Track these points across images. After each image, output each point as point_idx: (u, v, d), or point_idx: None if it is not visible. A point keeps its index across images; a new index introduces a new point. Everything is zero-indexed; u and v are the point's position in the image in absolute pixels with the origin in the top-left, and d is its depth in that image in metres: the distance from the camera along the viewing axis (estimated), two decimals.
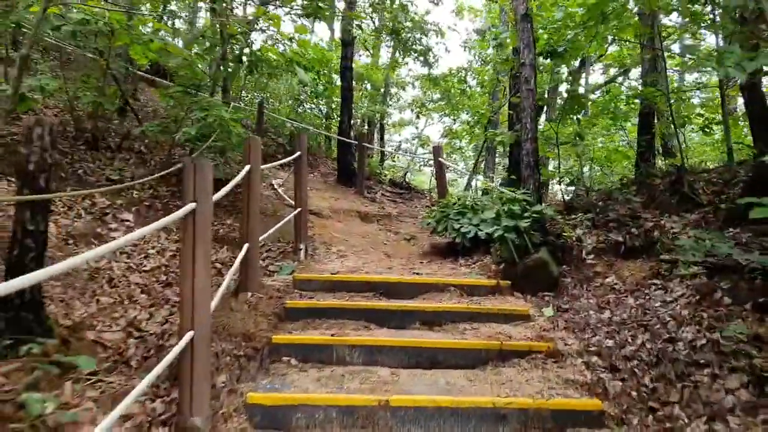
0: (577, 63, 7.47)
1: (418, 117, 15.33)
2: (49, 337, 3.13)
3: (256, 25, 5.70)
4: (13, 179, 5.42)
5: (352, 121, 11.49)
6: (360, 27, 9.40)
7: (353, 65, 11.08)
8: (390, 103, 16.15)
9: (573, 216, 6.11)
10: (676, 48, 5.69)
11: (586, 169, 7.13)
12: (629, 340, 3.83)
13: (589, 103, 5.89)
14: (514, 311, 4.42)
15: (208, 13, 9.97)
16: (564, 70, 8.44)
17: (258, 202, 4.57)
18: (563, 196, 6.52)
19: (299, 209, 6.07)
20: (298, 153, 6.09)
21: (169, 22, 13.02)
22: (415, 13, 11.42)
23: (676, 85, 8.26)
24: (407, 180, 12.24)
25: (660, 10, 5.60)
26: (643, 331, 3.88)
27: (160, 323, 4.08)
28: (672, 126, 6.14)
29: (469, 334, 4.09)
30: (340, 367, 3.60)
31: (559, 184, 6.52)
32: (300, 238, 6.07)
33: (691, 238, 4.81)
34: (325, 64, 12.13)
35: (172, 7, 12.99)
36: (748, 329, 3.40)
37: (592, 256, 5.23)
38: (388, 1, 11.04)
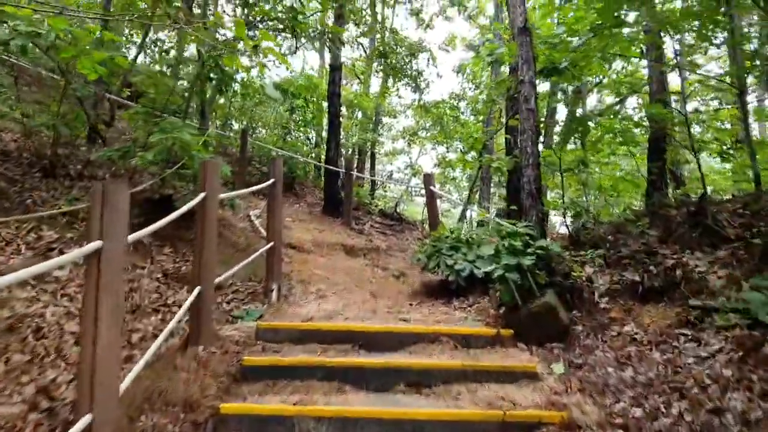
0: (578, 83, 6.95)
1: (409, 145, 14.78)
2: None
3: (232, 41, 5.11)
4: None
5: (340, 149, 10.91)
6: (342, 42, 8.89)
7: (341, 91, 10.56)
8: (381, 131, 15.66)
9: (580, 252, 5.45)
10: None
11: (589, 198, 6.49)
12: (662, 409, 3.10)
13: (594, 126, 5.31)
14: (518, 368, 3.70)
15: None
16: (564, 89, 7.93)
17: (214, 236, 3.88)
18: (568, 229, 5.85)
19: (271, 243, 5.38)
20: (272, 180, 5.44)
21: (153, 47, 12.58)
22: (406, 36, 10.99)
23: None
24: (398, 210, 11.59)
25: (670, 28, 5.05)
26: (679, 397, 3.15)
27: None
28: (687, 151, 5.53)
29: (464, 399, 3.35)
30: None
31: (564, 216, 5.87)
32: (272, 277, 5.36)
33: (722, 278, 4.14)
34: (313, 90, 11.63)
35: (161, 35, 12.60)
36: None
37: (605, 299, 4.54)
38: (378, 26, 10.62)
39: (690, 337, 3.73)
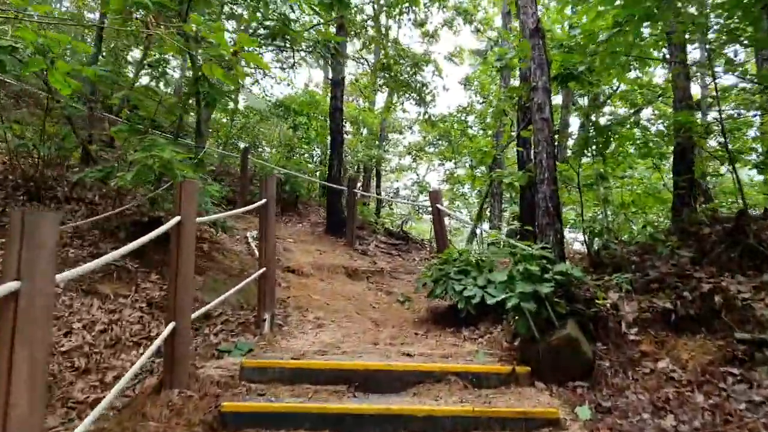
0: (596, 90, 6.50)
1: (414, 161, 14.34)
2: None
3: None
4: None
5: (343, 167, 10.51)
6: (341, 53, 8.51)
7: (344, 106, 10.20)
8: (387, 148, 15.28)
9: (602, 274, 4.95)
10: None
11: (607, 214, 5.99)
12: None
13: (615, 136, 4.84)
14: (537, 414, 3.20)
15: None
16: (575, 102, 7.49)
17: (191, 265, 3.45)
18: (587, 249, 5.36)
19: (264, 269, 4.95)
20: (263, 200, 5.04)
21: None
22: (409, 47, 10.63)
23: (708, 117, 7.24)
24: (404, 229, 11.11)
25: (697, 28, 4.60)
26: None
27: None
28: (716, 162, 5.05)
29: None
30: None
31: (583, 234, 5.38)
32: (264, 306, 4.91)
33: None
34: (315, 106, 11.29)
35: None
36: None
37: (634, 329, 4.02)
38: (382, 38, 10.30)
39: (739, 377, 3.21)
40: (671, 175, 5.75)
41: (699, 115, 6.55)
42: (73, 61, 4.86)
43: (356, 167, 14.13)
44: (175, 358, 3.31)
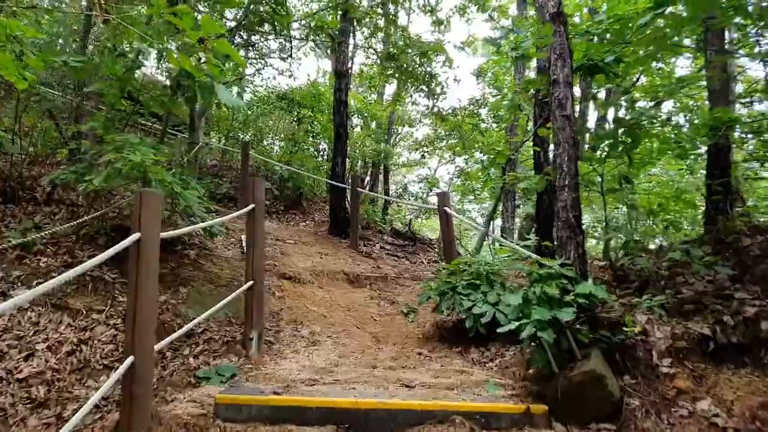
0: (624, 84, 5.90)
1: (423, 157, 13.75)
2: None
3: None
4: None
5: (347, 163, 9.99)
6: (334, 39, 7.93)
7: (348, 99, 9.66)
8: (396, 141, 14.71)
9: (627, 290, 4.42)
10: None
11: (632, 223, 5.41)
12: None
13: (646, 137, 4.29)
14: None
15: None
16: (594, 96, 6.91)
17: (154, 288, 2.99)
18: (609, 260, 4.81)
19: (251, 282, 4.49)
20: (250, 206, 4.56)
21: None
22: (417, 35, 10.00)
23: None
24: (412, 229, 10.58)
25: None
26: None
27: None
28: (754, 164, 4.47)
29: None
30: None
31: (606, 245, 4.84)
32: (252, 323, 4.45)
33: None
34: (319, 99, 10.77)
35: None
36: None
37: (667, 360, 3.49)
38: (391, 27, 9.71)
39: None
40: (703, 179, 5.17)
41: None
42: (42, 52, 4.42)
43: (363, 162, 13.60)
44: (134, 397, 2.86)
